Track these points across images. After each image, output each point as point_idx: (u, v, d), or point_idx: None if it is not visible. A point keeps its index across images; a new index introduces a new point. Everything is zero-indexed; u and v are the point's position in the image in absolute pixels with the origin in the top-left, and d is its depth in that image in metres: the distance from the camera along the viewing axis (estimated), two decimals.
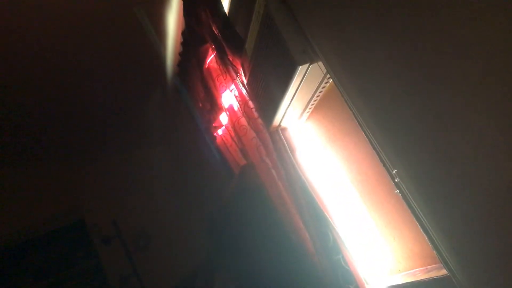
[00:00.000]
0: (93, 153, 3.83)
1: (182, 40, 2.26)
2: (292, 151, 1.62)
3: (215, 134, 2.25)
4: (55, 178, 3.59)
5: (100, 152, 3.88)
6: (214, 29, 1.70)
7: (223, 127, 2.15)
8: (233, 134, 1.94)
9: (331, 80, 1.27)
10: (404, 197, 0.96)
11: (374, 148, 1.02)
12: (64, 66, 2.53)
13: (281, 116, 1.53)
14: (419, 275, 1.16)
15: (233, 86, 1.68)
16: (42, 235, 3.37)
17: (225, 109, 1.88)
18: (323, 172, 1.58)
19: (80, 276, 3.37)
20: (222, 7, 1.62)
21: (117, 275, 3.31)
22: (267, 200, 1.61)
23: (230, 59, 1.66)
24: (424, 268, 1.19)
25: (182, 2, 1.93)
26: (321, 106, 1.48)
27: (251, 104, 1.60)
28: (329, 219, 1.46)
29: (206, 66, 1.98)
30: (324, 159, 1.57)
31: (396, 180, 0.97)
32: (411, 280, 1.16)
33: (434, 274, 1.07)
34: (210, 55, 1.95)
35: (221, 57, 1.69)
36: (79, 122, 3.23)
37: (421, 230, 0.94)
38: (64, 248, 3.44)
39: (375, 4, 0.86)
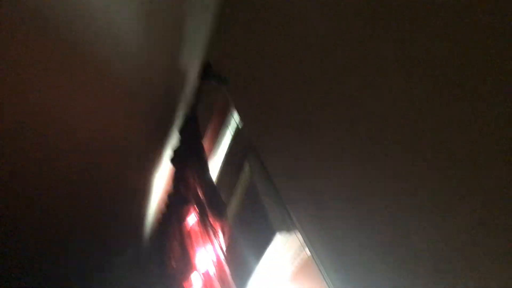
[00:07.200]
0: None
1: (167, 201, 2.36)
2: None
3: None
4: None
5: None
6: (199, 193, 1.82)
7: None
8: None
9: (307, 250, 1.32)
10: None
11: None
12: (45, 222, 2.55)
13: (256, 284, 1.51)
14: None
15: (210, 248, 1.70)
16: None
17: (199, 272, 1.85)
18: None
19: None
20: (210, 174, 1.77)
21: None
22: None
23: (211, 222, 1.73)
24: None
25: (173, 166, 2.10)
26: (297, 276, 1.48)
27: (226, 269, 1.60)
28: None
29: (187, 227, 2.02)
30: None
31: None
32: None
33: None
34: (192, 217, 2.02)
35: (203, 219, 1.76)
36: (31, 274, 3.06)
37: None
38: None
39: (351, 180, 0.99)
